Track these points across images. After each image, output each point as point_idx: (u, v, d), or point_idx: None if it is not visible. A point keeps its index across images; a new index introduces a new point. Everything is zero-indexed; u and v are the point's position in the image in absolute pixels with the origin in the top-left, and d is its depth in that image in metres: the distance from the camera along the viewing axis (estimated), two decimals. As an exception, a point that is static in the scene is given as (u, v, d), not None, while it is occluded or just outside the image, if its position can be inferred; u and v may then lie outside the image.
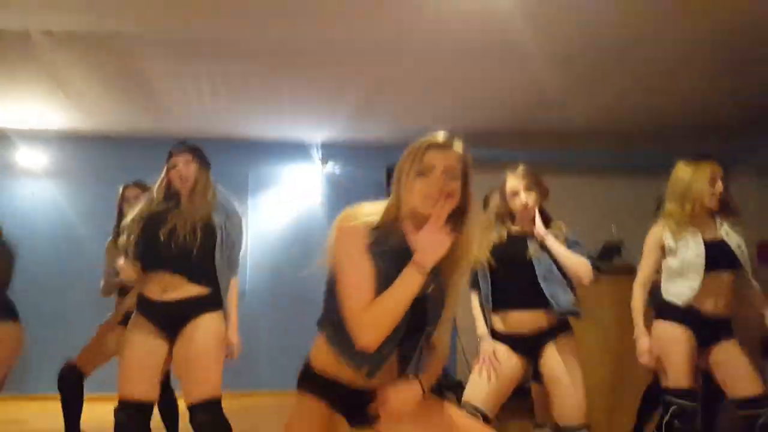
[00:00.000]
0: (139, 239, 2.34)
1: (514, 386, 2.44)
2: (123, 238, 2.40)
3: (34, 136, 5.10)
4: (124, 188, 3.46)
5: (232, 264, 2.46)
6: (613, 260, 4.19)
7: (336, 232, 1.50)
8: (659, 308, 2.67)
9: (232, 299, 2.48)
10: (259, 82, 3.81)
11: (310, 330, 1.68)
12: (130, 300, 2.66)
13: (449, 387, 4.89)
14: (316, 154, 5.49)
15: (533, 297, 2.36)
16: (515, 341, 2.41)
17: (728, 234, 2.60)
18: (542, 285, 2.34)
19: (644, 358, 2.63)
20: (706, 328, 2.59)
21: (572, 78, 3.67)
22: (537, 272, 2.35)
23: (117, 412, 2.27)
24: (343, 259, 1.48)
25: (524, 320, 2.40)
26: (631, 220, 3.30)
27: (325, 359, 1.60)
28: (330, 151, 5.46)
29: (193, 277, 2.32)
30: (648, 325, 2.66)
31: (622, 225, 4.25)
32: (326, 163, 5.47)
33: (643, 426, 3.37)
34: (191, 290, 2.31)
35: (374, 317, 1.44)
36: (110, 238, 3.38)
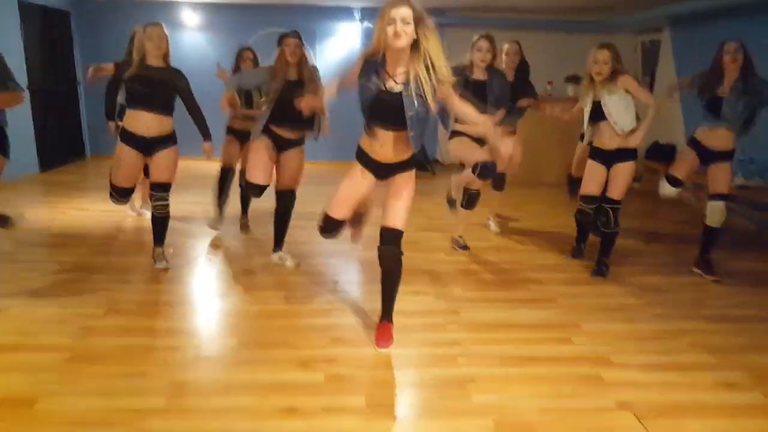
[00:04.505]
0: (276, 100, 3.49)
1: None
2: (264, 99, 3.64)
3: (194, 3, 7.42)
4: (241, 50, 4.35)
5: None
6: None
7: None
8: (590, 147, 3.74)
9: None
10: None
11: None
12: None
13: (427, 161, 7.40)
14: (357, 15, 7.65)
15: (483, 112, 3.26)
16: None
17: (604, 96, 3.53)
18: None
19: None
20: (607, 157, 3.62)
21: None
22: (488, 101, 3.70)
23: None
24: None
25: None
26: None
27: (363, 141, 2.65)
28: (366, 13, 7.60)
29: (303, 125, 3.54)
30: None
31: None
32: (363, 22, 7.63)
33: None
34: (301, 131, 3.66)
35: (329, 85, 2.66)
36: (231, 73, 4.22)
